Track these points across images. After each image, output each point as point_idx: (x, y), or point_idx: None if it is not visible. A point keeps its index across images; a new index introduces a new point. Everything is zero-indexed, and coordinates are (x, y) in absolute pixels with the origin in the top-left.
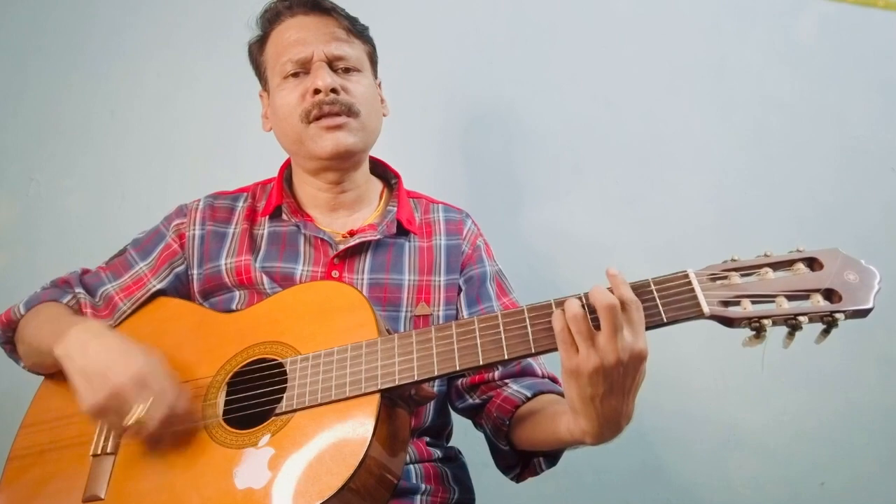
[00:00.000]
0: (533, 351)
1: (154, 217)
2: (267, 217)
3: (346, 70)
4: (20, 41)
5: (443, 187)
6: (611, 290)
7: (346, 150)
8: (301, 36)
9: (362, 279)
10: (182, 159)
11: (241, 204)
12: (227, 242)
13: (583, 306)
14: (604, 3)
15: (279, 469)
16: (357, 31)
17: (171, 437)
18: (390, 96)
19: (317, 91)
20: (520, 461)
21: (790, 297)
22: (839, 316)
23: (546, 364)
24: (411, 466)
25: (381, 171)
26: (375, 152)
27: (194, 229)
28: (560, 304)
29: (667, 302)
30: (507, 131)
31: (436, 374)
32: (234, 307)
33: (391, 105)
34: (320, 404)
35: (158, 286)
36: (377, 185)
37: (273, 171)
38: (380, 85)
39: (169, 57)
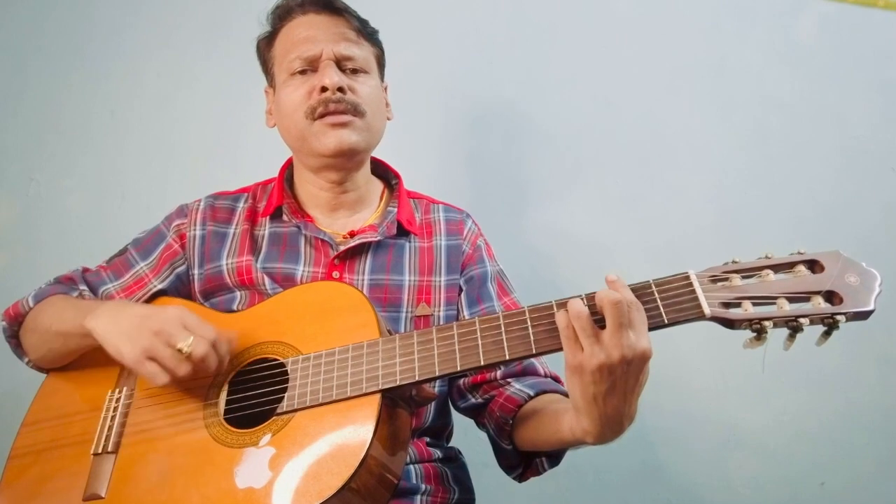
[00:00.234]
0: (534, 351)
1: (154, 217)
2: (268, 217)
3: (354, 71)
4: (20, 41)
5: (444, 187)
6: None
7: (349, 147)
8: (311, 34)
9: (363, 280)
10: (182, 159)
11: (241, 204)
12: (227, 243)
13: (586, 305)
14: (604, 3)
15: (280, 468)
16: (367, 33)
17: (174, 432)
18: (391, 96)
19: (324, 89)
20: (522, 461)
21: (791, 299)
22: (840, 318)
23: (548, 364)
24: (411, 466)
25: (381, 171)
26: (377, 152)
27: (195, 229)
28: (561, 305)
29: (668, 303)
30: (507, 131)
31: (437, 374)
32: (235, 307)
33: (392, 105)
34: (321, 404)
35: (159, 286)
36: (378, 185)
37: (273, 172)
38: (386, 89)
39: (169, 57)
